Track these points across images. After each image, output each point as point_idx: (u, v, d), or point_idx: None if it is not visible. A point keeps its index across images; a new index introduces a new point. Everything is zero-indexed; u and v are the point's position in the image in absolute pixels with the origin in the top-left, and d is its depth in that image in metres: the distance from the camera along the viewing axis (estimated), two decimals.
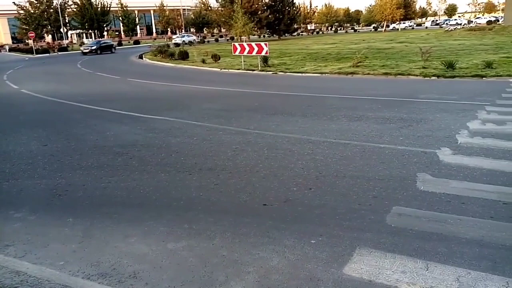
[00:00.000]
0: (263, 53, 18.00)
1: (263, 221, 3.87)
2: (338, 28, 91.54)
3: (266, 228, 3.72)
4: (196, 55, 25.86)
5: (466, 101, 9.15)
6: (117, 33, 74.87)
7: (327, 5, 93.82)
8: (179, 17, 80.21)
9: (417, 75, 13.96)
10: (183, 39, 53.21)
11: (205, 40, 61.29)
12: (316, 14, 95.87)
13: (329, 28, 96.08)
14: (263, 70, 18.13)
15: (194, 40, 55.68)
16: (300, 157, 5.76)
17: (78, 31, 67.13)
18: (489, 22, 56.76)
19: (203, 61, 22.91)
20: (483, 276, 2.86)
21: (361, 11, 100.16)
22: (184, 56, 25.88)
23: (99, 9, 58.52)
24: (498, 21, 55.91)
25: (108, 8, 59.85)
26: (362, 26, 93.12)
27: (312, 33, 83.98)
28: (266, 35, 63.46)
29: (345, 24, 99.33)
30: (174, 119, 8.65)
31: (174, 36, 59.34)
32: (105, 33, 65.54)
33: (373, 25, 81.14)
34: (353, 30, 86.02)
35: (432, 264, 3.01)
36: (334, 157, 5.67)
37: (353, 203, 4.16)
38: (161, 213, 4.15)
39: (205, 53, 25.71)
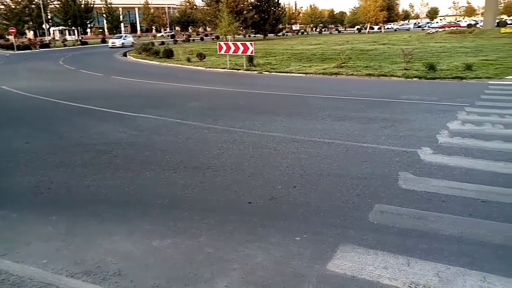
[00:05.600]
0: (248, 53, 18.04)
1: (248, 218, 3.90)
2: (323, 29, 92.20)
3: (251, 225, 3.76)
4: (181, 53, 25.71)
5: (447, 102, 9.36)
6: (100, 30, 73.77)
7: (312, 6, 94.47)
8: (164, 15, 79.57)
9: (399, 76, 14.20)
10: (121, 41, 45.82)
11: (190, 38, 60.87)
12: (301, 14, 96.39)
13: (314, 29, 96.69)
14: (248, 70, 18.16)
15: (132, 43, 46.96)
16: (285, 155, 5.81)
17: (60, 27, 65.84)
18: (469, 25, 58.04)
19: (188, 60, 22.81)
20: (461, 271, 2.95)
21: (345, 13, 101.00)
22: (169, 54, 25.72)
23: (82, 5, 57.56)
24: (477, 24, 57.17)
25: (91, 5, 58.91)
26: (346, 28, 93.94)
27: (297, 33, 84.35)
28: (251, 35, 63.47)
29: (330, 25, 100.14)
30: (158, 117, 8.60)
31: (111, 40, 47.75)
32: (88, 30, 64.51)
33: (357, 26, 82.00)
34: (337, 31, 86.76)
35: (413, 260, 3.09)
36: (318, 156, 5.74)
37: (337, 201, 4.23)
38: (146, 211, 4.14)
39: (190, 51, 25.61)
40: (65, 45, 50.37)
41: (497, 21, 53.60)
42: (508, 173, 4.86)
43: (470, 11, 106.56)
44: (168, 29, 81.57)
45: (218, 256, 3.25)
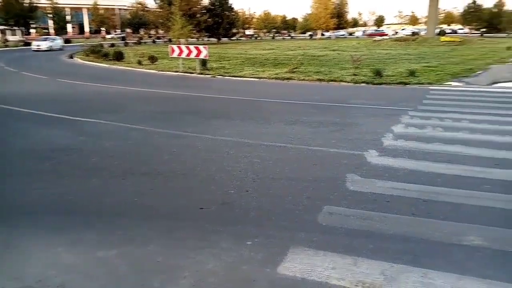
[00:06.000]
0: (201, 56, 17.93)
1: (200, 224, 3.85)
2: (276, 35, 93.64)
3: (203, 231, 3.72)
4: (132, 56, 25.05)
5: (392, 107, 9.81)
6: (45, 31, 70.17)
7: (265, 12, 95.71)
8: (114, 17, 77.18)
9: (348, 82, 14.70)
10: (48, 44, 40.48)
11: (142, 41, 59.44)
12: (254, 20, 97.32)
13: (267, 34, 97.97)
14: (201, 73, 18.03)
15: (61, 46, 42.64)
16: (237, 160, 5.81)
17: (2, 27, 61.85)
18: (413, 34, 61.35)
19: (139, 63, 22.27)
20: (404, 269, 3.09)
21: (297, 19, 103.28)
22: (119, 57, 24.95)
23: (25, 5, 54.42)
24: (420, 33, 60.59)
25: (35, 4, 55.84)
26: (298, 33, 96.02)
27: (251, 38, 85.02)
28: (205, 39, 63.13)
29: (282, 31, 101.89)
30: (107, 121, 8.31)
31: (35, 42, 41.26)
32: (32, 30, 61.13)
33: (309, 32, 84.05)
34: (290, 37, 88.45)
35: (360, 260, 3.19)
36: (270, 160, 5.80)
37: (288, 204, 4.29)
38: (92, 220, 3.97)
39: (141, 54, 24.99)
40: (6, 46, 47.40)
41: (437, 30, 57.11)
42: (447, 174, 5.16)
43: (413, 20, 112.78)
44: (118, 31, 79.19)
45: (168, 264, 3.18)
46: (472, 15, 69.36)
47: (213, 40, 61.48)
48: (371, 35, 68.56)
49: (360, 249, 3.36)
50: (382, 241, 3.51)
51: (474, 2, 69.91)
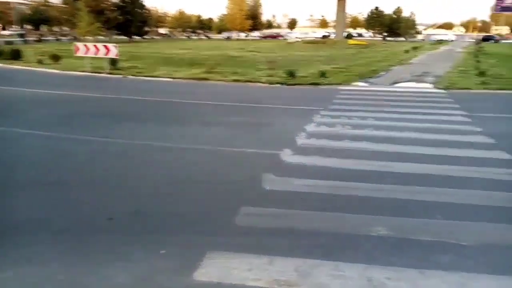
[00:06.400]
0: (111, 55, 16.98)
1: (108, 237, 3.60)
2: (192, 34, 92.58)
3: (112, 244, 3.47)
4: (32, 54, 22.88)
5: (305, 107, 10.21)
6: None
7: (180, 11, 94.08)
8: (10, 11, 69.92)
9: (263, 83, 15.01)
10: None
11: (43, 38, 54.64)
12: (168, 18, 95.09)
13: (182, 33, 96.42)
14: (111, 73, 17.07)
15: None
16: (151, 164, 5.58)
17: None
18: (324, 37, 64.91)
19: (40, 62, 20.39)
20: (317, 263, 3.18)
21: (213, 19, 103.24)
22: (16, 55, 22.57)
23: None
24: (330, 36, 64.34)
25: None
26: (215, 34, 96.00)
27: (165, 37, 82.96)
28: (115, 37, 60.05)
29: (198, 31, 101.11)
30: (3, 128, 7.45)
31: None
32: None
33: (225, 33, 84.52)
34: (206, 37, 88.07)
35: (275, 259, 3.22)
36: (187, 163, 5.66)
37: (204, 208, 4.20)
38: None
39: (42, 52, 22.92)
40: None
41: (345, 33, 61.14)
42: (355, 169, 5.47)
43: (324, 24, 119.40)
44: (16, 27, 71.96)
45: (72, 283, 2.90)
46: (375, 20, 75.48)
47: (125, 38, 58.78)
48: (266, 37, 73.33)
49: (276, 248, 3.40)
50: (297, 238, 3.59)
51: (376, 8, 76.09)
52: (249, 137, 7.14)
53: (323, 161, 5.75)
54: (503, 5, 78.34)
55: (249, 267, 3.08)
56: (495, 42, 57.40)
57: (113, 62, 17.96)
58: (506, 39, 69.11)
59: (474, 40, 58.16)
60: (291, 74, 15.61)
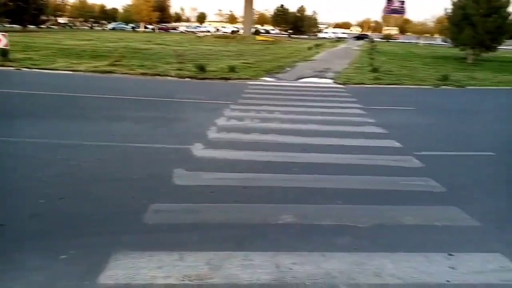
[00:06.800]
0: (0, 45, 15.21)
1: (1, 244, 3.25)
2: (95, 25, 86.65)
3: (5, 252, 3.14)
4: None
5: (215, 101, 10.24)
6: None
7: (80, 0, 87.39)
8: None
9: (173, 76, 14.70)
10: None
11: None
12: (68, 7, 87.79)
13: (84, 23, 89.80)
14: (2, 66, 15.30)
15: None
16: (50, 164, 5.14)
17: None
18: (233, 32, 65.39)
19: None
20: (228, 255, 3.24)
21: (118, 10, 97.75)
22: None
23: None
24: (238, 31, 65.05)
25: None
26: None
27: (65, 27, 76.49)
28: (5, 25, 53.71)
29: (102, 21, 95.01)
30: None
31: None
32: None
33: (131, 24, 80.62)
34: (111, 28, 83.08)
35: (186, 254, 3.21)
36: (90, 161, 5.33)
37: (111, 207, 4.01)
38: None
39: None
40: None
41: (253, 29, 62.34)
42: (263, 161, 5.67)
43: (232, 19, 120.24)
44: None
45: None
46: (281, 18, 77.98)
47: (17, 27, 52.94)
48: (161, 29, 73.66)
49: (186, 243, 3.39)
50: (208, 231, 3.62)
51: (282, 6, 78.64)
52: (159, 132, 6.96)
53: (234, 154, 5.85)
54: (392, 7, 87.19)
55: (159, 265, 3.03)
56: (370, 41, 64.33)
57: (3, 53, 16.10)
58: (395, 39, 76.68)
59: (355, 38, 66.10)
60: (201, 68, 15.53)
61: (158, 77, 14.70)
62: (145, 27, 75.31)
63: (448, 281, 3.03)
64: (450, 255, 3.37)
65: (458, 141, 7.46)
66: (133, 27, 74.19)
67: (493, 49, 25.95)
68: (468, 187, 5.10)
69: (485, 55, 26.74)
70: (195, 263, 3.08)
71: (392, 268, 3.16)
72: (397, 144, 6.72)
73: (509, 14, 24.55)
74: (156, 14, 70.66)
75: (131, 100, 9.98)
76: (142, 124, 7.49)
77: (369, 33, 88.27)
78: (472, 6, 24.13)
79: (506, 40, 26.74)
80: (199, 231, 3.62)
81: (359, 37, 74.24)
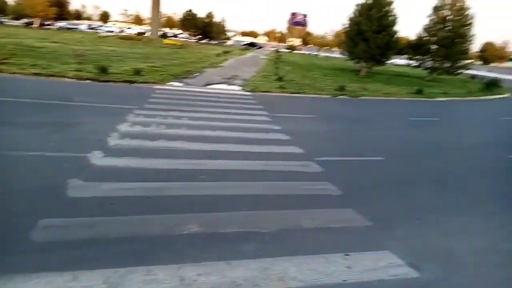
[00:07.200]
0: None
1: None
2: None
3: None
4: None
5: (118, 105, 9.70)
6: None
7: None
8: None
9: (70, 78, 13.62)
10: None
11: None
12: None
13: None
14: None
15: None
16: None
17: None
18: (139, 33, 63.00)
19: None
20: (129, 271, 3.07)
21: (8, 2, 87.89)
22: None
23: None
24: (145, 33, 62.92)
25: None
26: (11, 19, 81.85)
27: None
28: None
29: None
30: None
31: None
32: None
33: (25, 19, 73.05)
34: None
35: (80, 273, 2.96)
36: None
37: None
38: None
39: None
40: None
41: (161, 32, 60.78)
42: (170, 168, 5.51)
43: (138, 20, 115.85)
44: None
45: None
46: (189, 22, 77.34)
47: None
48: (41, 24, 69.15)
49: (81, 261, 3.13)
50: (107, 247, 3.39)
51: (190, 11, 78.06)
52: (52, 139, 6.36)
53: (137, 162, 5.59)
54: (295, 20, 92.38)
55: (49, 287, 2.74)
56: (258, 48, 67.86)
57: None
58: (298, 50, 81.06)
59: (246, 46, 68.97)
60: (103, 69, 14.66)
61: (53, 78, 13.49)
62: (41, 24, 68.85)
63: (344, 280, 3.24)
64: (347, 255, 3.62)
65: (353, 147, 8.10)
66: (27, 23, 67.37)
67: (383, 63, 28.81)
68: (362, 190, 5.54)
69: (376, 68, 29.59)
70: (90, 283, 2.86)
71: (294, 271, 3.27)
72: (299, 150, 7.05)
73: (395, 32, 27.49)
74: (53, 9, 65.10)
75: (20, 102, 8.98)
76: (32, 130, 6.79)
77: (257, 41, 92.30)
78: (366, 23, 26.55)
79: (393, 56, 29.87)
80: (96, 247, 3.37)
81: (251, 44, 76.97)
